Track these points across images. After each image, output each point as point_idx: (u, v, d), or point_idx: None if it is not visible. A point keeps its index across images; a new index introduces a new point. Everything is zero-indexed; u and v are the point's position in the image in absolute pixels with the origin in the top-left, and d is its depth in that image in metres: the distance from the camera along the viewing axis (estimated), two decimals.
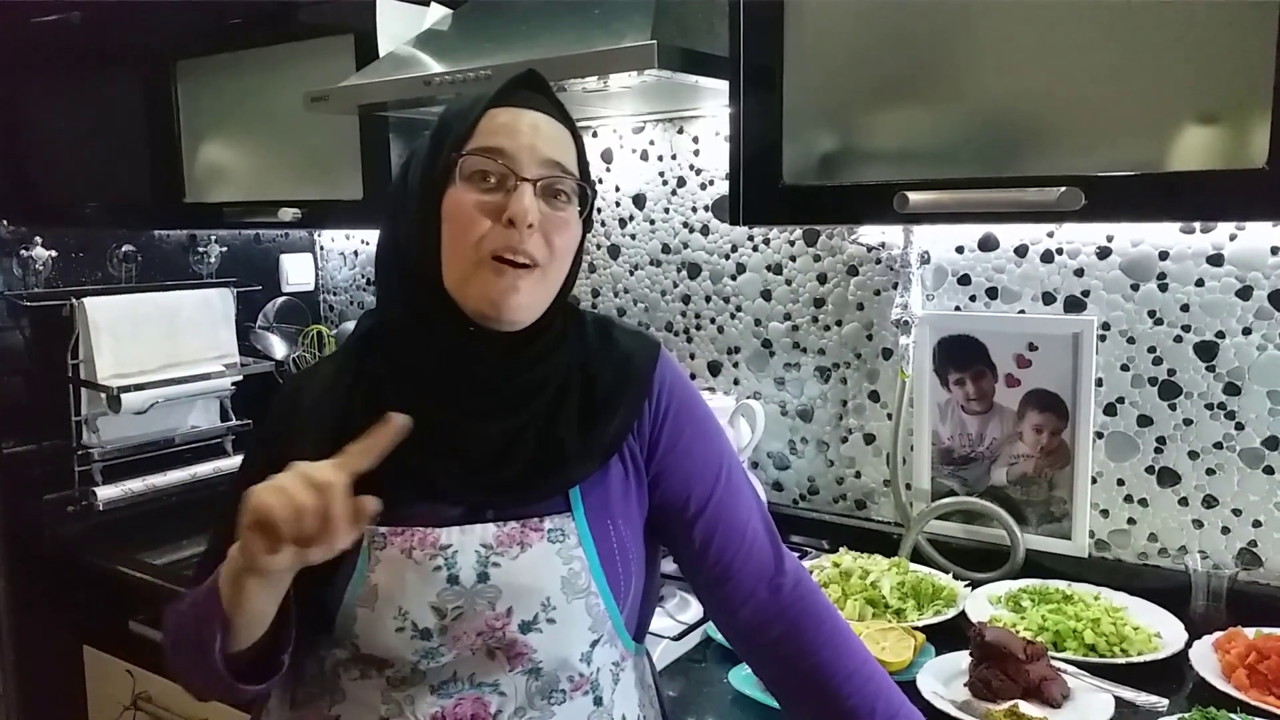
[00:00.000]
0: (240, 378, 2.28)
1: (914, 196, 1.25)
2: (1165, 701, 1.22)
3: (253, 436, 1.08)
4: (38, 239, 2.04)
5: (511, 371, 0.96)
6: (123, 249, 2.20)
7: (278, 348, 2.42)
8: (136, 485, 2.10)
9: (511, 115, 0.94)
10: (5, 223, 2.02)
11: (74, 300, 2.04)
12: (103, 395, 2.03)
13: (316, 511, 0.79)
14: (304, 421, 0.98)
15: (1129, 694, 1.23)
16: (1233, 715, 1.14)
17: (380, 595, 0.92)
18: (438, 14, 1.75)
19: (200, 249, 2.34)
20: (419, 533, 0.93)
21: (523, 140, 0.93)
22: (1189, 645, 1.33)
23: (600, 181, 2.05)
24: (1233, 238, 1.43)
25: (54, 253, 2.07)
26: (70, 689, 2.07)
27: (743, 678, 1.30)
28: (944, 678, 1.29)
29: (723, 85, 1.41)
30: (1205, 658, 1.30)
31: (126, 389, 2.02)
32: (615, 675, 1.02)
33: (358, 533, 0.82)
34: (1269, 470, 1.44)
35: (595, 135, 2.04)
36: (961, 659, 1.31)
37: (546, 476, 0.95)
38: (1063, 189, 1.16)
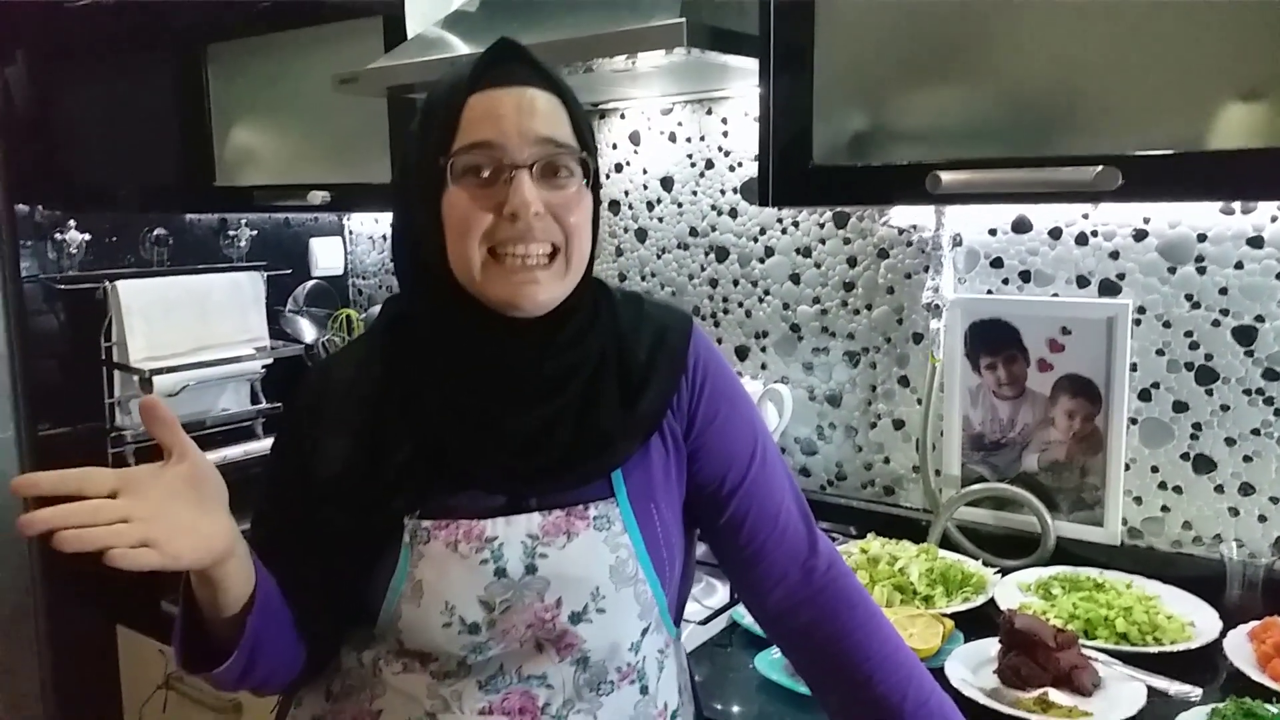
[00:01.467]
0: (270, 361, 2.29)
1: (946, 177, 1.23)
2: (1199, 691, 1.20)
3: (283, 421, 1.06)
4: (71, 223, 2.06)
5: (545, 357, 0.93)
6: (155, 232, 2.21)
7: (307, 331, 2.43)
8: None
9: (493, 99, 0.89)
10: (40, 207, 2.04)
11: (107, 284, 2.06)
12: (135, 378, 2.05)
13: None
14: (335, 409, 0.96)
15: (1161, 683, 1.21)
16: (1269, 705, 1.12)
17: (426, 591, 0.91)
18: None
19: (231, 233, 2.35)
20: (463, 525, 0.91)
21: (509, 124, 0.88)
22: (1223, 635, 1.31)
23: (628, 164, 2.04)
24: (1274, 219, 1.39)
25: (87, 236, 2.09)
26: (104, 668, 2.10)
27: (769, 663, 1.29)
28: (973, 665, 1.28)
29: (752, 65, 1.39)
30: (1240, 647, 1.28)
31: (158, 371, 2.04)
32: (660, 663, 1.01)
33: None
34: None
35: (623, 117, 2.03)
36: (990, 646, 1.29)
37: (588, 460, 0.93)
38: (1100, 168, 1.14)
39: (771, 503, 1.01)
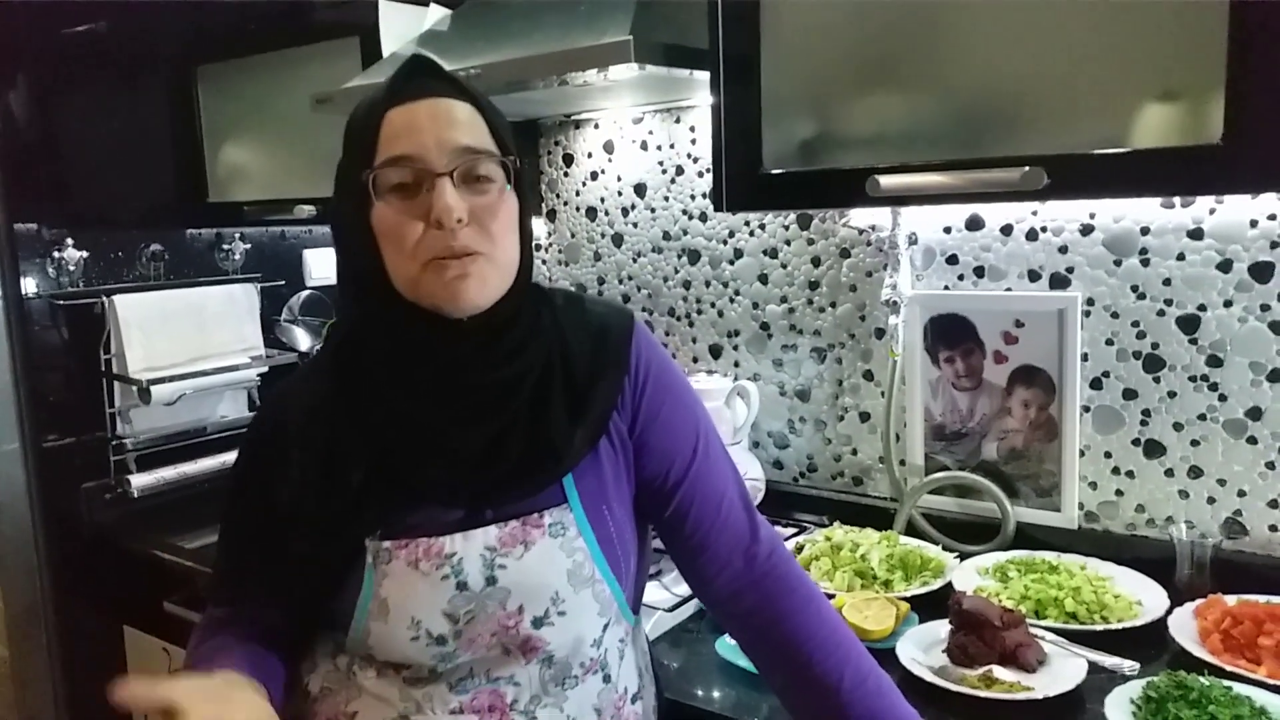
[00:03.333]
0: (266, 369, 2.37)
1: (885, 180, 1.29)
2: (1137, 665, 1.24)
3: (238, 462, 1.07)
4: (69, 240, 2.15)
5: (489, 366, 0.95)
6: (151, 248, 2.30)
7: (302, 340, 2.50)
8: (169, 473, 2.21)
9: (409, 112, 0.92)
10: (41, 226, 2.11)
11: (105, 298, 2.14)
12: (134, 388, 2.13)
13: None
14: (292, 435, 0.98)
15: (1103, 658, 1.26)
16: (1200, 678, 1.16)
17: (392, 609, 0.94)
18: (437, 14, 1.82)
19: (225, 246, 2.43)
20: (423, 543, 0.94)
21: (426, 135, 0.90)
22: (1169, 612, 1.36)
23: (603, 172, 2.11)
24: (1212, 212, 1.45)
25: (85, 253, 2.17)
26: (111, 666, 2.18)
27: (729, 646, 1.35)
28: (924, 645, 1.33)
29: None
30: (1184, 624, 1.33)
31: (156, 381, 2.12)
32: (621, 651, 1.05)
33: None
34: (1252, 440, 1.46)
35: (597, 127, 2.09)
36: (942, 627, 1.34)
37: (540, 468, 0.96)
38: (1025, 169, 1.20)
39: (714, 493, 1.04)
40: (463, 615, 0.94)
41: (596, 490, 0.99)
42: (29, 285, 2.09)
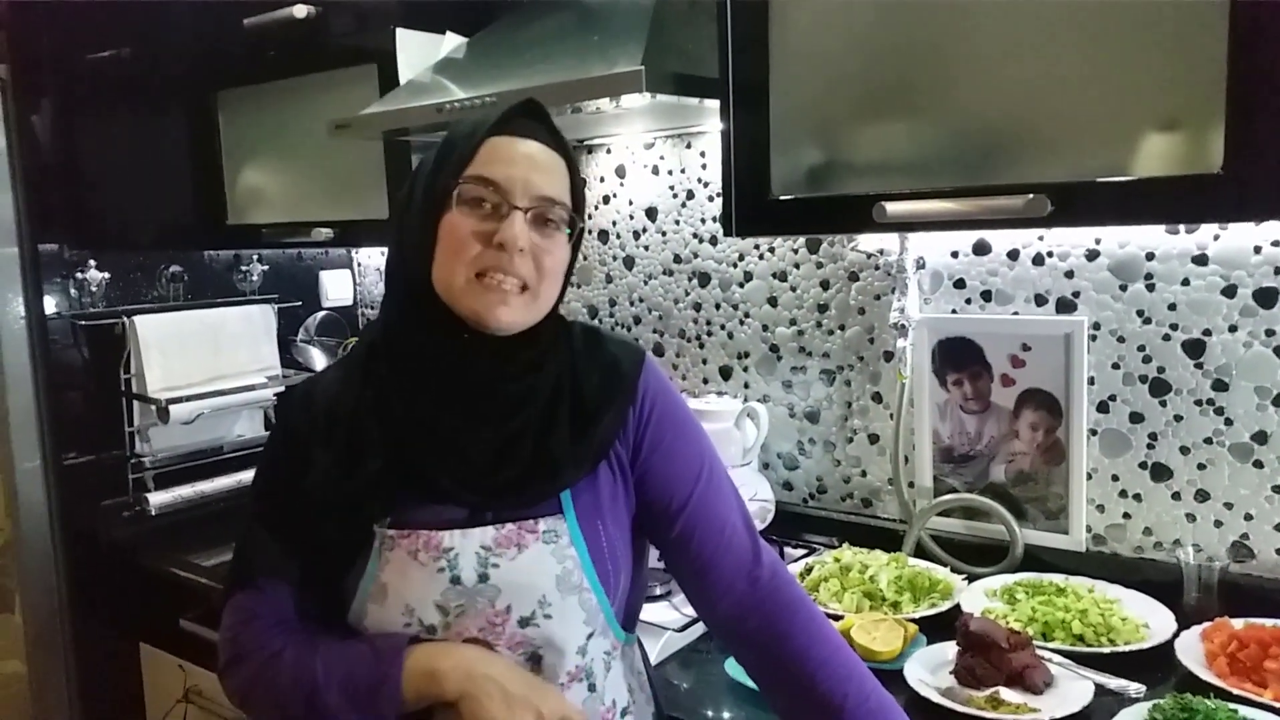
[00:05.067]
0: (282, 389, 2.39)
1: (891, 207, 1.32)
2: (1144, 688, 1.25)
3: (269, 443, 1.14)
4: (91, 262, 2.19)
5: (505, 378, 1.02)
6: (171, 269, 2.34)
7: (318, 359, 2.54)
8: (186, 491, 2.24)
9: (509, 145, 1.00)
10: (64, 248, 2.15)
11: (125, 319, 2.18)
12: (153, 407, 2.16)
13: None
14: (317, 425, 1.05)
15: (1110, 681, 1.27)
16: (1206, 701, 1.17)
17: (389, 593, 1.00)
18: (453, 42, 1.85)
19: (244, 268, 2.47)
20: (423, 535, 1.00)
21: (516, 172, 0.99)
22: (1176, 635, 1.37)
23: (615, 196, 2.14)
24: (1216, 238, 1.46)
25: (107, 275, 2.21)
26: (128, 683, 2.21)
27: (738, 667, 1.35)
28: (931, 666, 1.35)
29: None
30: (1191, 647, 1.34)
31: (175, 400, 2.15)
32: (607, 664, 1.08)
33: None
34: (1258, 464, 1.47)
35: (609, 152, 2.13)
36: (950, 649, 1.36)
37: (540, 481, 1.02)
38: (1030, 196, 1.21)
39: (717, 519, 1.09)
40: (453, 608, 0.99)
41: (593, 507, 1.05)
42: (51, 305, 2.13)
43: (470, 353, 1.02)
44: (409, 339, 1.04)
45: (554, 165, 1.03)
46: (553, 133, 1.04)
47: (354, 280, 2.73)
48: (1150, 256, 1.52)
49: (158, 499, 2.19)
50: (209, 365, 2.28)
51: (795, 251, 1.89)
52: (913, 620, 1.45)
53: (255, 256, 2.48)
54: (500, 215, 0.99)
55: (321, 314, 2.62)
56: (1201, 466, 1.52)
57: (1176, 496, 1.55)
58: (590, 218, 2.19)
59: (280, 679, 1.01)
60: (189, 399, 2.19)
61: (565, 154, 1.04)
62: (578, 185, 1.05)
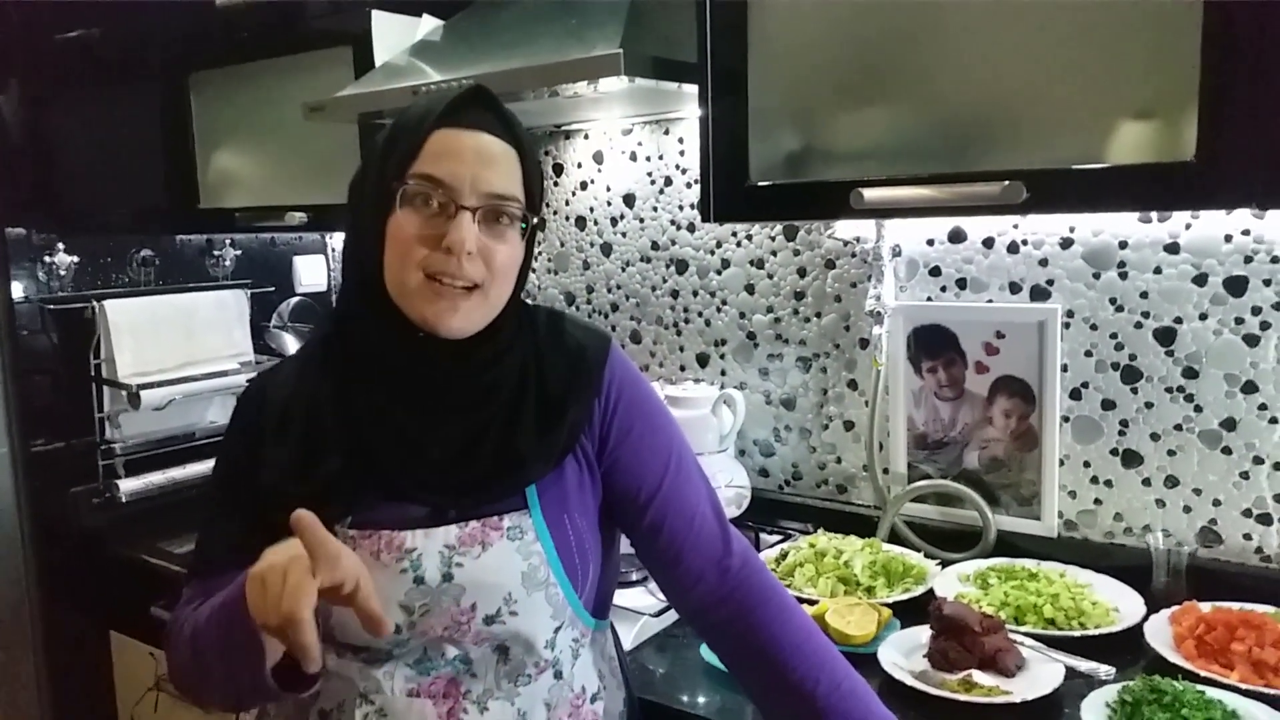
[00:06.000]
0: (255, 375, 2.36)
1: (868, 193, 1.32)
2: (1113, 670, 1.27)
3: (227, 435, 1.10)
4: (59, 245, 2.15)
5: (465, 373, 1.00)
6: (142, 253, 2.30)
7: (291, 345, 2.51)
8: (157, 478, 2.21)
9: (456, 138, 0.95)
10: (32, 231, 2.12)
11: (95, 303, 2.15)
12: (123, 393, 2.13)
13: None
14: (274, 420, 1.01)
15: (1081, 663, 1.29)
16: (1174, 682, 1.19)
17: None
18: (429, 25, 1.84)
19: (216, 253, 2.44)
20: (385, 536, 0.98)
21: (464, 169, 0.95)
22: (1145, 619, 1.38)
23: (592, 182, 2.13)
24: (1188, 227, 1.48)
25: (76, 258, 2.17)
26: (98, 671, 2.19)
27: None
28: (905, 650, 1.36)
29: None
30: (1160, 631, 1.36)
31: (146, 386, 2.12)
32: (575, 651, 1.08)
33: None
34: (1226, 451, 1.49)
35: (587, 137, 2.12)
36: (923, 633, 1.37)
37: (504, 477, 1.00)
38: (1006, 183, 1.22)
39: (687, 508, 1.08)
40: (418, 608, 0.98)
41: (558, 500, 1.03)
42: (19, 289, 2.10)
43: (427, 351, 0.99)
44: (365, 335, 1.01)
45: (505, 158, 0.98)
46: (505, 122, 0.99)
47: (328, 265, 2.70)
48: (1123, 245, 1.54)
49: (128, 486, 2.16)
50: (181, 351, 2.25)
51: (773, 239, 1.89)
52: (887, 605, 1.46)
53: (228, 241, 2.45)
54: (448, 215, 0.95)
55: (295, 299, 2.59)
56: (1171, 453, 1.54)
57: (1147, 483, 1.57)
58: (567, 204, 2.19)
59: (183, 641, 0.98)
60: (160, 385, 2.16)
61: (518, 144, 0.99)
62: (532, 177, 1.00)
